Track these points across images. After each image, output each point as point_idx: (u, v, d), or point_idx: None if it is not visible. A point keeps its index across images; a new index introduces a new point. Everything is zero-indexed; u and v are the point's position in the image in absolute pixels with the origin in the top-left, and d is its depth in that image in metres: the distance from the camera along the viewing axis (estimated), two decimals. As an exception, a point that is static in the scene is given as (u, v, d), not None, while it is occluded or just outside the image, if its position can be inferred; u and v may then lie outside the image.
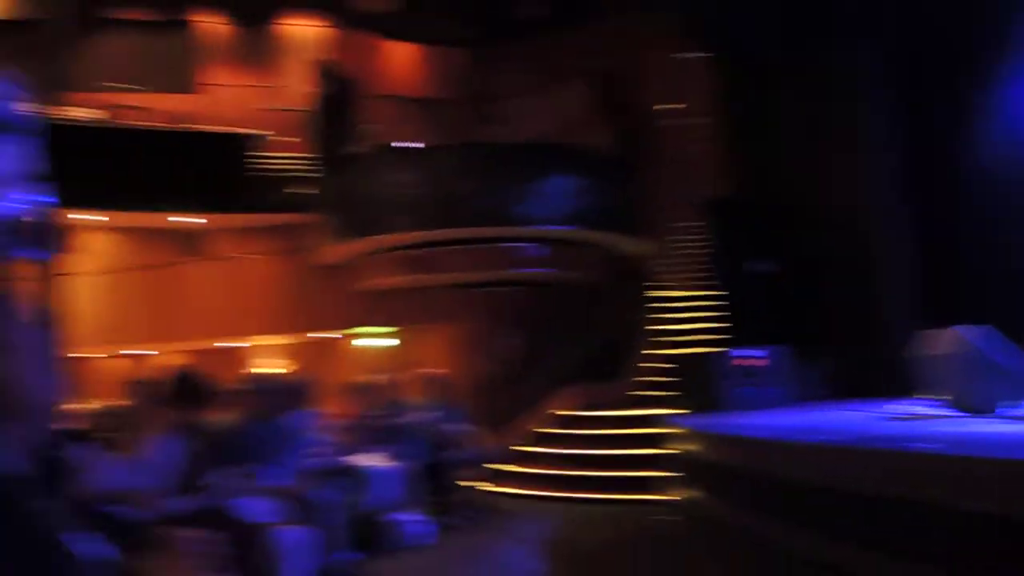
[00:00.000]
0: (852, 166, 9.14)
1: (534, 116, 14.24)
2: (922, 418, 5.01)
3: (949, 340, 5.14)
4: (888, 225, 8.67)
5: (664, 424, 7.42)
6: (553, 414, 10.60)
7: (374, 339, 13.95)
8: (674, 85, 14.94)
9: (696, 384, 7.65)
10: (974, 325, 4.97)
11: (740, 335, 8.90)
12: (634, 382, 10.69)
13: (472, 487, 8.35)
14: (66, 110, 13.03)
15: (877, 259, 8.79)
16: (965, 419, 4.79)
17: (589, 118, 14.97)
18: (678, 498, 6.74)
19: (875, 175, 8.81)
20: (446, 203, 11.68)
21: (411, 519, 6.38)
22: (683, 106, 14.82)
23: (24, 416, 1.22)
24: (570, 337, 11.86)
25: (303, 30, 17.82)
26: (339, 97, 13.76)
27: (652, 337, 11.31)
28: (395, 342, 13.91)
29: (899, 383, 7.06)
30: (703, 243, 11.66)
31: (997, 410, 4.78)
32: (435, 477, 7.54)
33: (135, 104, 14.33)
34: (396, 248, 12.25)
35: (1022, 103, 7.71)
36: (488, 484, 8.84)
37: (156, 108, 14.34)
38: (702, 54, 12.65)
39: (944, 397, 5.19)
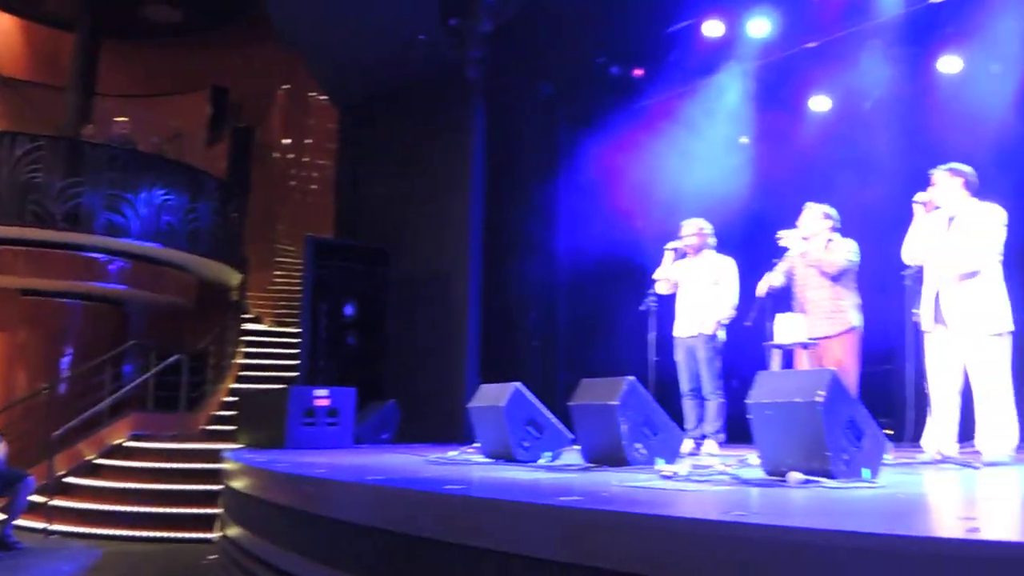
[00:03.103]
0: (443, 225, 9.73)
1: (144, 122, 13.33)
2: (459, 464, 5.36)
3: (485, 394, 5.64)
4: (467, 285, 9.34)
5: (224, 459, 7.17)
6: (112, 443, 9.76)
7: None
8: (297, 120, 14.92)
9: (261, 420, 7.52)
10: (506, 382, 5.47)
11: (312, 374, 8.99)
12: (208, 414, 10.25)
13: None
14: None
15: (453, 314, 9.40)
16: (498, 466, 5.19)
17: (203, 135, 14.38)
18: (224, 537, 6.52)
19: (461, 238, 9.47)
20: (17, 197, 10.41)
21: None
22: (303, 143, 14.84)
23: None
24: (145, 360, 11.08)
25: None
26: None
27: (236, 370, 10.97)
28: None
29: (461, 432, 7.70)
30: (299, 280, 11.65)
31: (536, 460, 5.25)
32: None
33: None
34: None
35: (572, 206, 9.24)
36: (24, 517, 7.89)
37: None
38: (325, 95, 12.76)
39: (485, 445, 5.63)
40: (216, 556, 6.65)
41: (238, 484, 6.18)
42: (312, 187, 14.21)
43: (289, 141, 14.78)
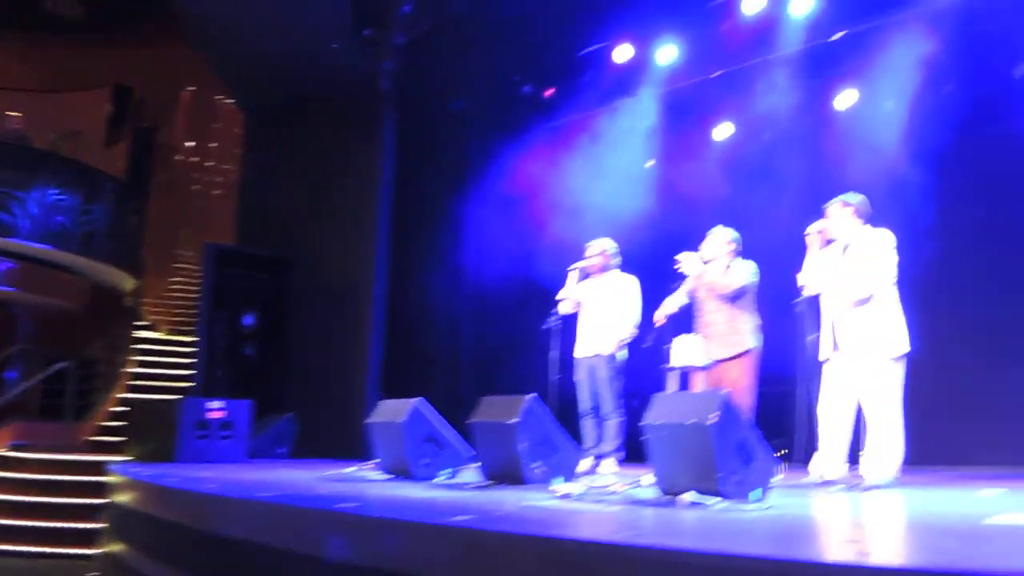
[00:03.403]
0: (349, 236, 9.59)
1: (40, 118, 12.77)
2: (355, 480, 5.26)
3: (384, 409, 5.56)
4: (371, 298, 9.23)
5: (110, 472, 6.89)
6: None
7: None
8: (201, 124, 14.51)
9: (151, 432, 7.24)
10: (410, 398, 5.40)
11: (208, 385, 8.72)
12: (95, 424, 9.82)
13: None
14: None
15: (356, 327, 9.26)
16: (396, 483, 5.11)
17: (102, 134, 13.87)
18: (106, 553, 6.25)
19: (367, 250, 9.36)
20: None
21: None
22: (207, 147, 14.45)
23: None
24: (32, 366, 10.58)
25: None
26: None
27: (127, 378, 10.55)
28: None
29: (362, 447, 7.59)
30: (198, 288, 11.29)
31: (432, 478, 5.18)
32: None
33: None
34: None
35: (481, 222, 9.18)
36: None
37: None
38: (230, 99, 12.46)
39: (383, 462, 5.54)
40: (97, 573, 6.37)
41: (123, 498, 5.94)
42: (215, 192, 13.83)
43: (193, 144, 14.36)
